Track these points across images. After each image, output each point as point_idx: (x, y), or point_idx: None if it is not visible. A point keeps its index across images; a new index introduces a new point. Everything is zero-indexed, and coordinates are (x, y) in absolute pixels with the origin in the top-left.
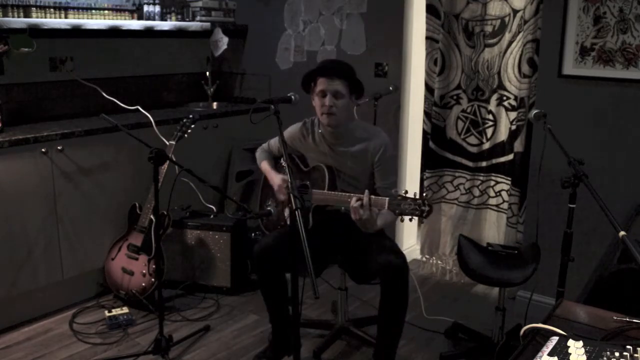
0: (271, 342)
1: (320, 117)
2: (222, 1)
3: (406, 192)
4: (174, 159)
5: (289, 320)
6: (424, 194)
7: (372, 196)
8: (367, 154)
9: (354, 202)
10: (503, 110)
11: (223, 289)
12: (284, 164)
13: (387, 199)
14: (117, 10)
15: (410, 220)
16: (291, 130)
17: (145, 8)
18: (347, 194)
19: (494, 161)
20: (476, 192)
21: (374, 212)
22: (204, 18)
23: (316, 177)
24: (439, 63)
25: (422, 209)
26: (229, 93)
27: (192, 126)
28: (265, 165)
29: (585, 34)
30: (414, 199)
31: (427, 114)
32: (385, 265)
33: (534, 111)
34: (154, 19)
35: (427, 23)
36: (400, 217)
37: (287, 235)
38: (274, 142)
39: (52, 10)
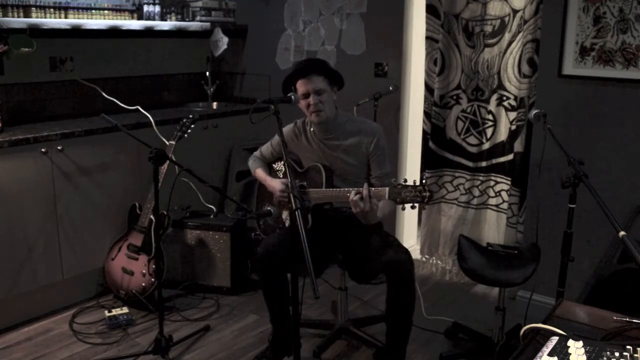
0: (271, 342)
1: (310, 117)
2: (222, 1)
3: (405, 180)
4: (174, 159)
5: (290, 321)
6: (424, 181)
7: (372, 188)
8: (361, 146)
9: (353, 196)
10: (503, 110)
11: (223, 289)
12: (277, 167)
13: (387, 188)
14: (117, 10)
15: (413, 207)
16: (284, 132)
17: (145, 8)
18: (346, 189)
19: (494, 161)
20: (476, 192)
21: (374, 203)
22: (204, 18)
23: (313, 176)
24: (438, 63)
25: (423, 195)
26: (229, 93)
27: (192, 126)
28: (260, 173)
29: (585, 34)
30: (414, 186)
31: (427, 114)
32: (390, 263)
33: (534, 111)
34: (154, 19)
35: (427, 23)
36: (401, 206)
37: (289, 236)
38: (266, 148)
39: (52, 10)
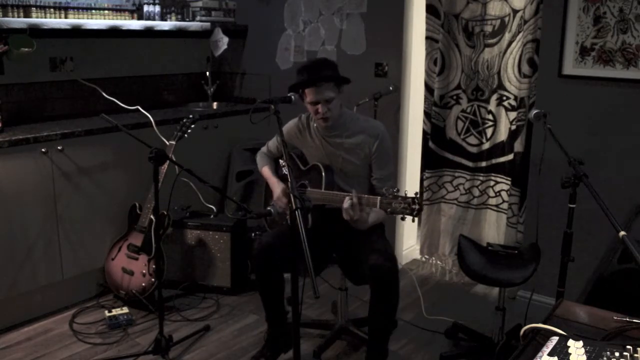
0: (267, 340)
1: (317, 122)
2: (222, 1)
3: (397, 190)
4: (174, 159)
5: (285, 318)
6: (416, 192)
7: (365, 196)
8: (364, 145)
9: (345, 203)
10: (503, 110)
11: (223, 289)
12: (282, 162)
13: (379, 197)
14: (117, 10)
15: (403, 219)
16: (288, 127)
17: (145, 8)
18: (341, 193)
19: (494, 161)
20: (476, 192)
21: (365, 211)
22: (204, 18)
23: (314, 176)
24: (438, 63)
25: (412, 207)
26: (229, 93)
27: (192, 126)
28: (266, 171)
29: (585, 34)
30: (404, 198)
31: (426, 114)
32: (373, 268)
33: (534, 111)
34: (154, 19)
35: (427, 23)
36: (400, 216)
37: (287, 234)
38: (273, 143)
39: (52, 10)
